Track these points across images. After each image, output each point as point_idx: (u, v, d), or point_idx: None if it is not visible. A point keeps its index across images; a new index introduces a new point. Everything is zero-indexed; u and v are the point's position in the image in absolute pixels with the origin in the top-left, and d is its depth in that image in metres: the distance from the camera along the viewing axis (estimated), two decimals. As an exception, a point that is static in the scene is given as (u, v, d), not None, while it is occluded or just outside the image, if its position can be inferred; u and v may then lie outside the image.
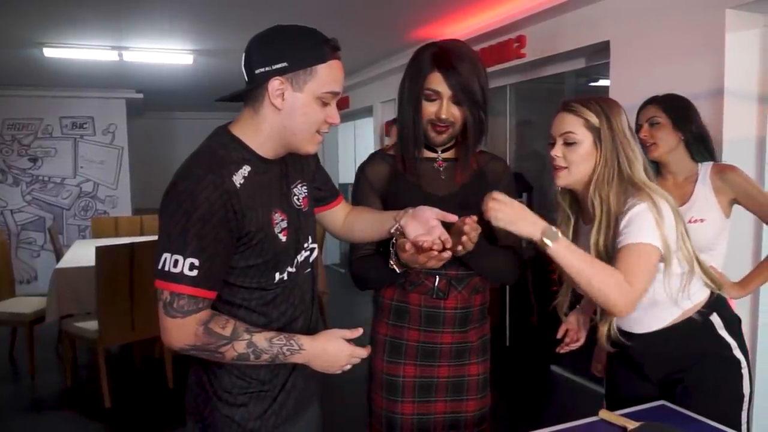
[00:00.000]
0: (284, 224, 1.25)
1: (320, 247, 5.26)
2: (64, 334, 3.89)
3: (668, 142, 1.97)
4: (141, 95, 7.26)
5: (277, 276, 1.25)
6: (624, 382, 1.69)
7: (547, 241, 1.31)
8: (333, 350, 1.23)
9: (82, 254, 4.36)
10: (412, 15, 4.04)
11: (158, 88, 6.92)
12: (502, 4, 3.76)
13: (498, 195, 1.34)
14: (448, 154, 1.63)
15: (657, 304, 1.51)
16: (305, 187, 1.36)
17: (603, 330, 1.53)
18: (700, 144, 2.00)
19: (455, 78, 1.48)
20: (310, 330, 1.34)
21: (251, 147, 1.22)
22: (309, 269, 1.36)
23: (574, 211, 1.61)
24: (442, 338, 1.61)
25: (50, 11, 3.76)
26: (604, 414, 1.43)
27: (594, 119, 1.46)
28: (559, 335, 1.76)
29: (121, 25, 4.17)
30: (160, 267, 1.11)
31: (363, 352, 1.26)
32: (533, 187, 4.71)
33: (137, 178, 7.75)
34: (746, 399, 1.55)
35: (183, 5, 3.70)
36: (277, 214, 1.23)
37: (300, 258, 1.31)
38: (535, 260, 4.85)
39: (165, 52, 5.00)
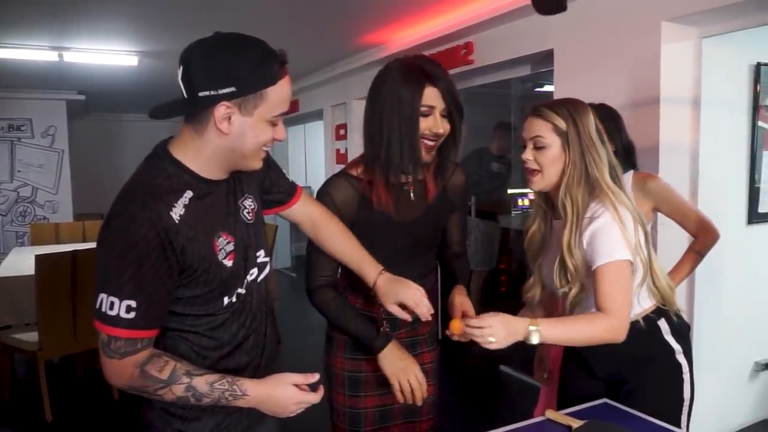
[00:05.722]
0: (230, 247, 1.19)
1: (270, 252, 5.21)
2: (1, 346, 3.71)
3: None
4: (83, 97, 7.02)
5: (226, 300, 1.21)
6: (573, 380, 1.74)
7: (534, 338, 1.37)
8: (280, 396, 1.16)
9: (20, 262, 4.19)
10: (362, 20, 4.05)
11: (101, 89, 6.70)
12: (450, 11, 3.82)
13: (476, 322, 1.36)
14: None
15: None
16: (250, 200, 1.30)
17: None
18: (627, 155, 2.09)
19: (448, 91, 1.46)
20: (263, 346, 1.32)
21: (193, 170, 1.16)
22: (259, 284, 1.32)
23: (549, 209, 1.65)
24: (398, 335, 1.65)
25: (-16, 9, 3.61)
26: (550, 414, 1.47)
27: (561, 123, 1.50)
28: None
29: (63, 25, 4.02)
30: (97, 307, 1.07)
31: (314, 399, 1.19)
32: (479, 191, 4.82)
33: (79, 183, 7.49)
34: (686, 403, 1.61)
35: (127, 6, 3.61)
36: (221, 239, 1.18)
37: (249, 278, 1.27)
38: (492, 271, 4.96)
39: (108, 53, 4.85)
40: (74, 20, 3.91)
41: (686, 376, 1.60)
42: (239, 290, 1.23)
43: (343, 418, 1.67)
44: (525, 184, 1.63)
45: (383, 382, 1.64)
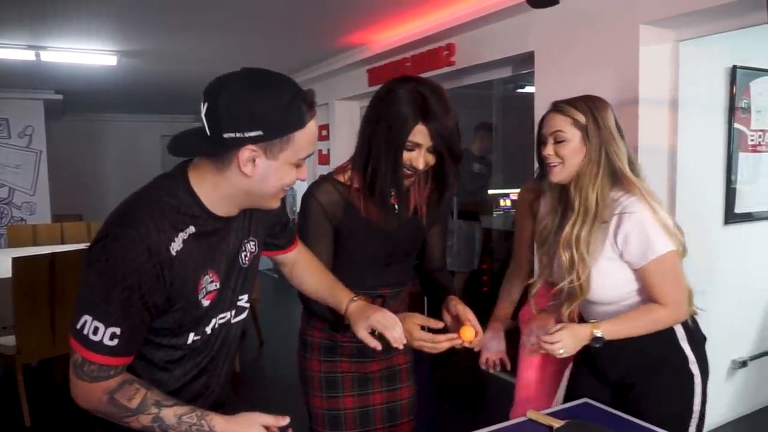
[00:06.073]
0: (213, 287, 1.16)
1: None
2: (-23, 350, 3.66)
3: None
4: (60, 96, 6.92)
5: (191, 337, 1.17)
6: (581, 384, 1.71)
7: (598, 342, 1.48)
8: None
9: (-4, 265, 4.12)
10: (344, 20, 4.05)
11: (79, 89, 6.61)
12: (432, 12, 3.83)
13: (548, 338, 1.47)
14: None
15: (624, 301, 1.57)
16: (253, 243, 1.27)
17: (565, 313, 1.60)
18: None
19: (439, 131, 1.45)
20: (211, 389, 1.28)
21: (205, 204, 1.12)
22: (231, 326, 1.27)
23: (563, 202, 1.64)
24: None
25: (-41, 8, 3.55)
26: (531, 414, 1.49)
27: (581, 117, 1.53)
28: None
29: (40, 23, 3.97)
30: (78, 327, 1.03)
31: None
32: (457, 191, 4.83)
33: (57, 183, 7.38)
34: (696, 416, 1.55)
35: (107, 5, 3.57)
36: (207, 276, 1.15)
37: (221, 320, 1.23)
38: (474, 272, 4.98)
39: (87, 53, 4.78)
40: (52, 19, 3.85)
41: (698, 389, 1.56)
42: (206, 329, 1.20)
43: (321, 422, 1.65)
44: (545, 175, 1.63)
45: (361, 383, 1.65)
